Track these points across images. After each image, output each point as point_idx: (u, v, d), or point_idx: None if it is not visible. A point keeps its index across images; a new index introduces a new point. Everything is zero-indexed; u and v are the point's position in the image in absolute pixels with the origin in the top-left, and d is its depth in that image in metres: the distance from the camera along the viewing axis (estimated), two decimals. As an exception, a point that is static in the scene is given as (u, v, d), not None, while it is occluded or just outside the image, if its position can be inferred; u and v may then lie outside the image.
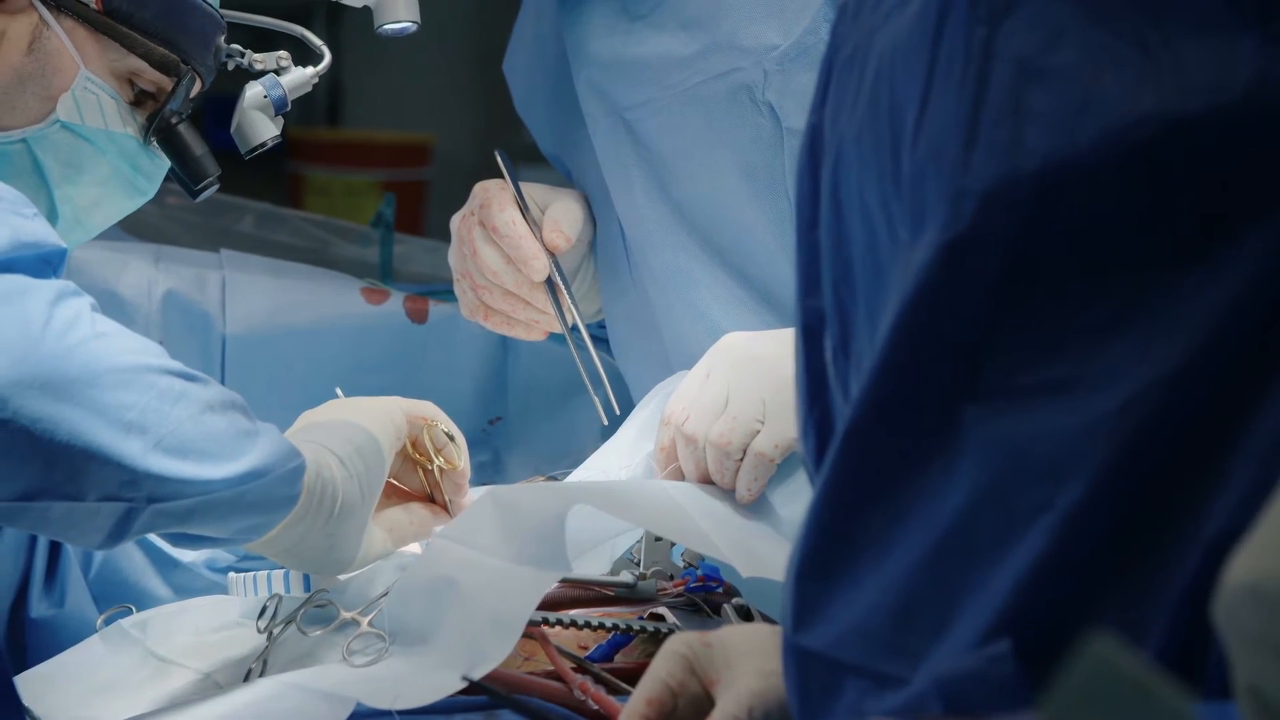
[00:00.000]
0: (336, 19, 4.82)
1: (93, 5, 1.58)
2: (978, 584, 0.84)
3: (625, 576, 1.55)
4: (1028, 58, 0.84)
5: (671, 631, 1.47)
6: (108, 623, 1.58)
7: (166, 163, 1.65)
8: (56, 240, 1.38)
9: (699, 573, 1.56)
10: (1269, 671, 0.67)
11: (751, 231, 1.76)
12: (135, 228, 2.46)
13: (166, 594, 1.71)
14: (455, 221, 1.87)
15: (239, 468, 1.36)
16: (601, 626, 1.48)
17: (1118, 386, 0.82)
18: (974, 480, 0.84)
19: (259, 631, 1.50)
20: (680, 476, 1.60)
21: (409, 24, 1.80)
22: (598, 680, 1.42)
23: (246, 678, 1.49)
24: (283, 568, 1.52)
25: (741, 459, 1.56)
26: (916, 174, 0.86)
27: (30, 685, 1.52)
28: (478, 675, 1.32)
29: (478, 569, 1.41)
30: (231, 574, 1.61)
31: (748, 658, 1.09)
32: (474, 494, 1.62)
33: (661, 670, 1.10)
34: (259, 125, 1.72)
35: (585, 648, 1.50)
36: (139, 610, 1.59)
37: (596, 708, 1.38)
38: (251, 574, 1.57)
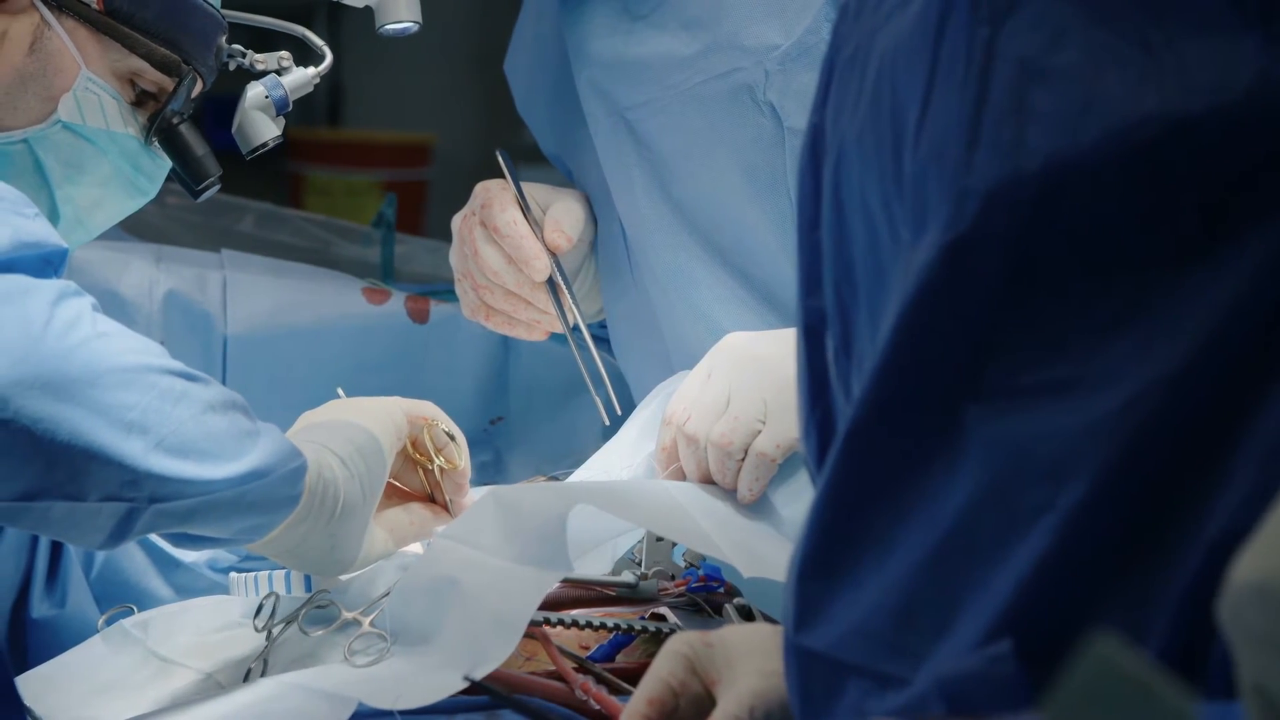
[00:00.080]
0: (337, 19, 4.82)
1: (94, 5, 1.58)
2: (979, 584, 0.84)
3: (627, 576, 1.55)
4: (1030, 58, 0.84)
5: (673, 631, 1.47)
6: (109, 623, 1.58)
7: (168, 163, 1.65)
8: (58, 240, 1.38)
9: (700, 573, 1.56)
10: (1274, 670, 0.67)
11: (753, 231, 1.76)
12: (136, 228, 2.46)
13: (168, 594, 1.72)
14: (456, 221, 1.88)
15: (240, 468, 1.36)
16: (603, 626, 1.48)
17: (1119, 386, 0.82)
18: (976, 480, 0.84)
19: (256, 630, 1.50)
20: (682, 476, 1.60)
21: (410, 24, 1.80)
22: (599, 680, 1.42)
23: (247, 677, 1.49)
24: (284, 568, 1.52)
25: (743, 459, 1.56)
26: (918, 174, 0.86)
27: (32, 685, 1.52)
28: (479, 675, 1.32)
29: (479, 569, 1.41)
30: (233, 574, 1.61)
31: (749, 657, 1.09)
32: (475, 494, 1.62)
33: (663, 670, 1.10)
34: (260, 125, 1.72)
35: (587, 648, 1.50)
36: (140, 610, 1.59)
37: (598, 708, 1.38)
38: (253, 574, 1.57)
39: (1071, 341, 0.83)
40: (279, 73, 1.73)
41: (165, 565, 1.73)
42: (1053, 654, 0.81)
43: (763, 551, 1.47)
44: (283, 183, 5.28)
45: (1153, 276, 0.82)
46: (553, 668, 1.43)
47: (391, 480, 1.57)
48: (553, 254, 1.83)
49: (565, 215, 1.85)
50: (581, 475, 1.72)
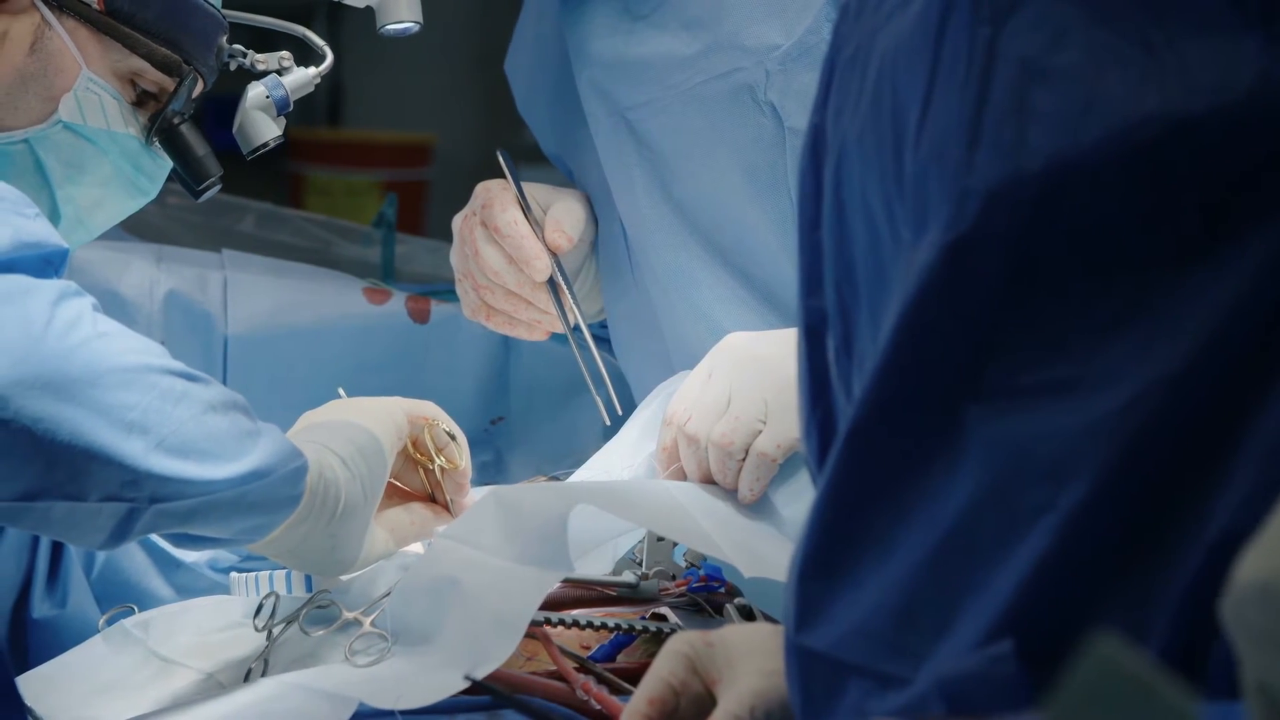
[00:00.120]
0: (338, 19, 4.82)
1: (95, 5, 1.58)
2: (980, 584, 0.84)
3: (628, 576, 1.55)
4: (1031, 58, 0.84)
5: (674, 631, 1.47)
6: (110, 623, 1.58)
7: (168, 163, 1.65)
8: (58, 240, 1.38)
9: (701, 573, 1.56)
10: (1278, 669, 0.67)
11: (753, 231, 1.76)
12: (137, 228, 2.46)
13: (169, 594, 1.72)
14: (457, 221, 1.88)
15: (241, 468, 1.36)
16: (604, 626, 1.48)
17: (1120, 387, 0.82)
18: (976, 480, 0.84)
19: (257, 630, 1.50)
20: (682, 476, 1.60)
21: (411, 24, 1.80)
22: (600, 680, 1.42)
23: (248, 677, 1.49)
24: (285, 568, 1.52)
25: (744, 459, 1.56)
26: (919, 174, 0.86)
27: (32, 685, 1.52)
28: (480, 675, 1.32)
29: (480, 569, 1.41)
30: (234, 574, 1.61)
31: (749, 657, 1.09)
32: (476, 494, 1.62)
33: (663, 669, 1.10)
34: (261, 125, 1.72)
35: (588, 648, 1.50)
36: (141, 610, 1.59)
37: (599, 708, 1.38)
38: (254, 574, 1.57)
39: (1072, 341, 0.83)
40: (280, 73, 1.73)
41: (166, 565, 1.73)
42: (1053, 654, 0.81)
43: (763, 551, 1.47)
44: (283, 183, 5.28)
45: (1154, 276, 0.82)
46: (554, 668, 1.43)
47: (392, 480, 1.57)
48: (553, 254, 1.83)
49: (566, 215, 1.85)
50: (582, 475, 1.72)
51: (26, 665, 1.60)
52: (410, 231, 3.06)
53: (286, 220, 2.77)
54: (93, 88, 1.58)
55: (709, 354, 1.62)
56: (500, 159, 1.86)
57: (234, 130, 1.73)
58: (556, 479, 1.77)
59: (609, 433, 1.79)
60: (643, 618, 1.51)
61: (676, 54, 1.77)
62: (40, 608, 1.68)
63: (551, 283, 1.84)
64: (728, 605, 1.52)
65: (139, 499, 1.32)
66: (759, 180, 1.74)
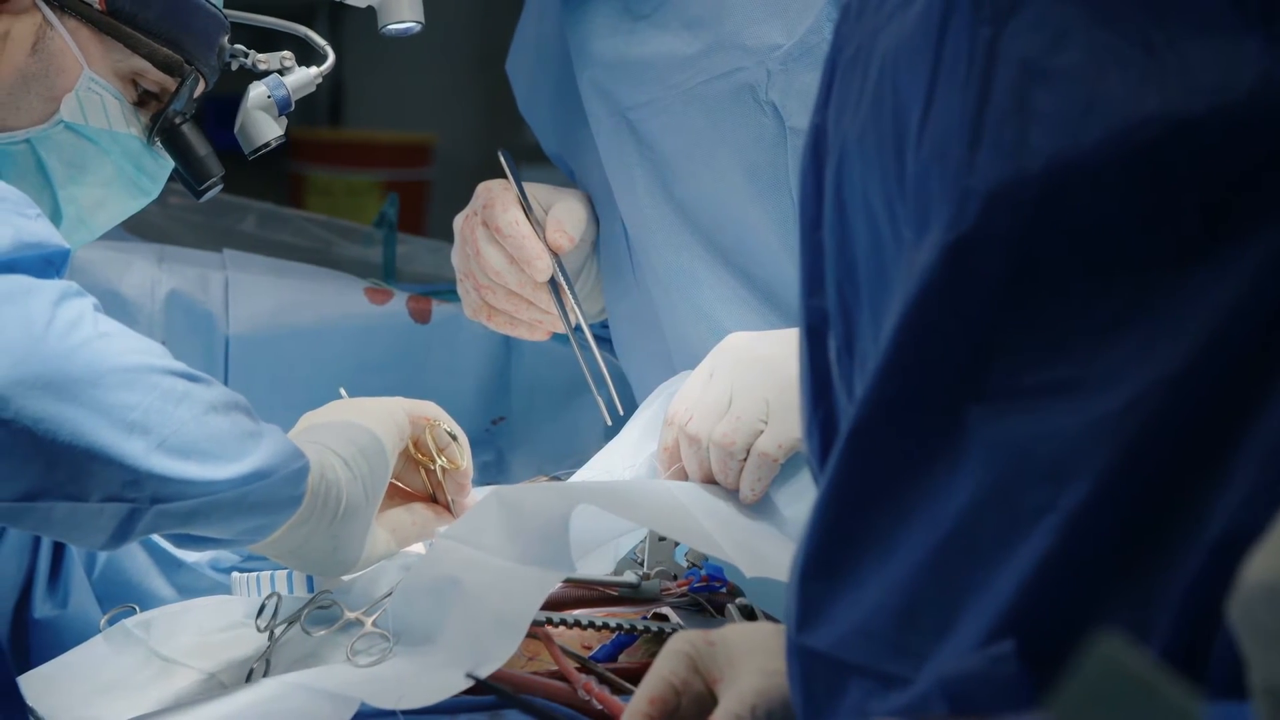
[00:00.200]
0: (339, 19, 4.82)
1: (96, 5, 1.58)
2: (982, 584, 0.84)
3: (629, 576, 1.55)
4: (1032, 58, 0.84)
5: (675, 631, 1.47)
6: (111, 623, 1.58)
7: (170, 163, 1.66)
8: (59, 241, 1.38)
9: (703, 573, 1.56)
10: (1286, 671, 0.67)
11: (755, 231, 1.76)
12: (138, 228, 2.46)
13: (170, 594, 1.72)
14: (458, 221, 1.88)
15: (242, 468, 1.36)
16: (605, 626, 1.48)
17: (1121, 387, 0.82)
18: (978, 480, 0.84)
19: (258, 630, 1.50)
20: (684, 476, 1.60)
21: (413, 24, 1.81)
22: (601, 680, 1.42)
23: (249, 678, 1.49)
24: (286, 568, 1.52)
25: (745, 459, 1.56)
26: (921, 174, 0.86)
27: (34, 685, 1.52)
28: (482, 675, 1.32)
29: (482, 569, 1.41)
30: (235, 574, 1.61)
31: (751, 656, 1.09)
32: (477, 494, 1.62)
33: (665, 669, 1.10)
34: (263, 125, 1.73)
35: (589, 648, 1.50)
36: (143, 610, 1.59)
37: (600, 707, 1.38)
38: (255, 574, 1.57)
39: (1073, 342, 0.83)
40: (281, 73, 1.73)
41: (167, 565, 1.74)
42: (1055, 654, 0.81)
43: (765, 551, 1.47)
44: (284, 183, 5.28)
45: (1154, 277, 0.82)
46: (555, 668, 1.43)
47: (394, 480, 1.57)
48: (555, 254, 1.84)
49: (567, 215, 1.85)
50: (584, 475, 1.72)
51: (28, 665, 1.60)
52: (411, 231, 3.06)
53: (288, 220, 2.77)
54: (94, 88, 1.58)
55: (710, 354, 1.62)
56: (501, 159, 1.86)
57: (235, 130, 1.73)
58: (558, 479, 1.77)
59: (610, 433, 1.79)
60: (644, 618, 1.51)
61: (678, 54, 1.77)
62: (42, 608, 1.68)
63: (553, 283, 1.84)
64: (729, 605, 1.52)
65: (140, 499, 1.32)
66: (760, 180, 1.74)
